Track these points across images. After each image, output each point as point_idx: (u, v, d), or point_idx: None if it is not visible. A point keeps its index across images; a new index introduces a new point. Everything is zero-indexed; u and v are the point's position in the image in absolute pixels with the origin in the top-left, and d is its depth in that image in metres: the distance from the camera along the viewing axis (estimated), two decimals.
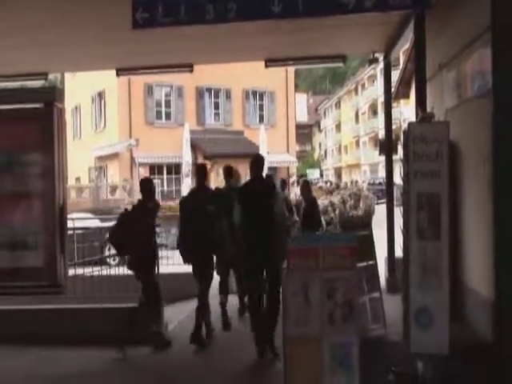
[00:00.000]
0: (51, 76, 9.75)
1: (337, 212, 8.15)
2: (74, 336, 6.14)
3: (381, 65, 14.07)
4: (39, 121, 4.06)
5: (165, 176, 26.12)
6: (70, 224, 4.20)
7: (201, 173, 6.58)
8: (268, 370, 5.41)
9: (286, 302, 4.17)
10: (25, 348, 6.05)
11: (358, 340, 4.04)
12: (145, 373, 5.53)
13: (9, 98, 4.30)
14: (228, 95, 28.40)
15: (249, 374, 5.43)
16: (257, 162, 5.92)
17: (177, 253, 6.71)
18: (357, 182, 20.05)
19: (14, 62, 8.15)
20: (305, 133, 70.77)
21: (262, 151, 24.07)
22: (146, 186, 6.35)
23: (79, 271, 7.69)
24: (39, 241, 4.01)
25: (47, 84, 9.82)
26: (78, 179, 27.71)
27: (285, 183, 11.14)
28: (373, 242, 6.38)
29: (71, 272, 6.15)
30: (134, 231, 5.92)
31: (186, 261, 6.31)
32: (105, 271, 8.16)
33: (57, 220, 3.99)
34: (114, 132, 26.21)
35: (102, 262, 11.01)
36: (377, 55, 8.89)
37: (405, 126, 4.81)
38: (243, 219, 5.74)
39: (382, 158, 10.77)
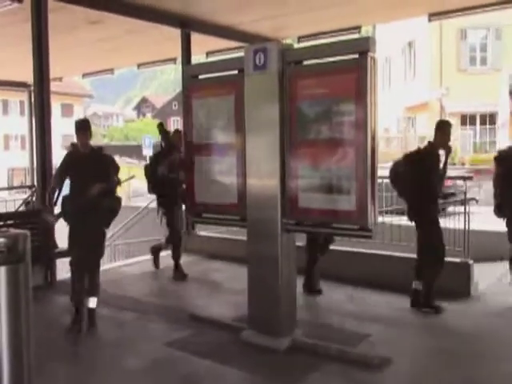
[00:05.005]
0: (363, 30, 10.01)
1: None
2: (376, 280, 6.46)
3: None
4: (354, 71, 4.18)
5: (477, 126, 24.51)
6: (379, 173, 4.29)
7: None
8: None
9: None
10: (338, 285, 6.64)
11: None
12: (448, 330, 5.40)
13: (327, 51, 4.54)
14: None
15: None
16: None
17: (488, 210, 6.41)
18: None
19: (329, 19, 8.66)
20: None
21: None
22: None
23: (386, 219, 7.88)
24: (352, 186, 4.22)
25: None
26: (386, 130, 28.13)
27: None
28: None
29: (380, 219, 6.33)
30: None
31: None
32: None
33: (368, 167, 4.13)
34: (424, 81, 25.60)
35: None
36: None
37: None
38: None
39: None
